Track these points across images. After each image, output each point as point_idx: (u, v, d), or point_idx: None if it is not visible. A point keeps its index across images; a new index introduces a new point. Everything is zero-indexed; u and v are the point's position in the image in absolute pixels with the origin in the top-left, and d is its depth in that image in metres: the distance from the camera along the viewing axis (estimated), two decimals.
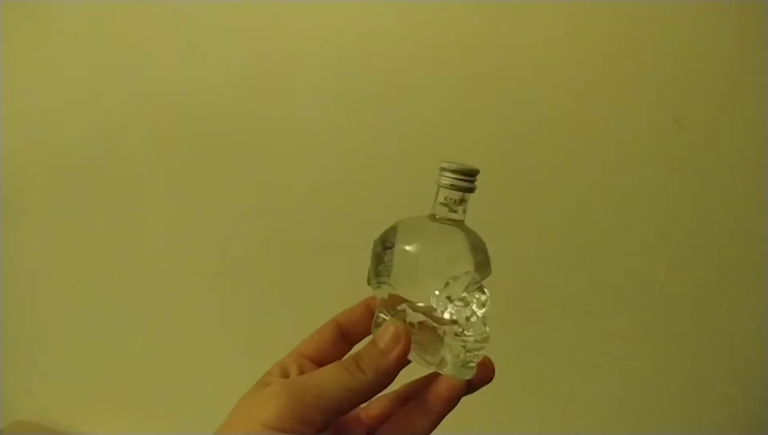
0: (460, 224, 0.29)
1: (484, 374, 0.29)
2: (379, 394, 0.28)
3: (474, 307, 0.27)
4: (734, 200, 0.57)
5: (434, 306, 0.27)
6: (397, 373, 0.27)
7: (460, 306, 0.27)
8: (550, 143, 0.62)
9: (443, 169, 0.28)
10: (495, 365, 0.29)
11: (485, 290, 0.28)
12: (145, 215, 0.82)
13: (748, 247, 0.56)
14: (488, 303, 0.28)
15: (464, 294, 0.27)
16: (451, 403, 0.28)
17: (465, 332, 0.27)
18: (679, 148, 0.58)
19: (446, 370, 0.28)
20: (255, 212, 0.75)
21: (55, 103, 0.86)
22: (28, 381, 0.93)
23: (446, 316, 0.27)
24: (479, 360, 0.28)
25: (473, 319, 0.27)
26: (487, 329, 0.28)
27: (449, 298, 0.27)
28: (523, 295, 0.64)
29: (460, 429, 0.66)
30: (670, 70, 0.58)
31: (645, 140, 0.59)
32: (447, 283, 0.27)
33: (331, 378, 0.26)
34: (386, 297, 0.29)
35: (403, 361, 0.27)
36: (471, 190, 0.28)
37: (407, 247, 0.28)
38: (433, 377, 0.28)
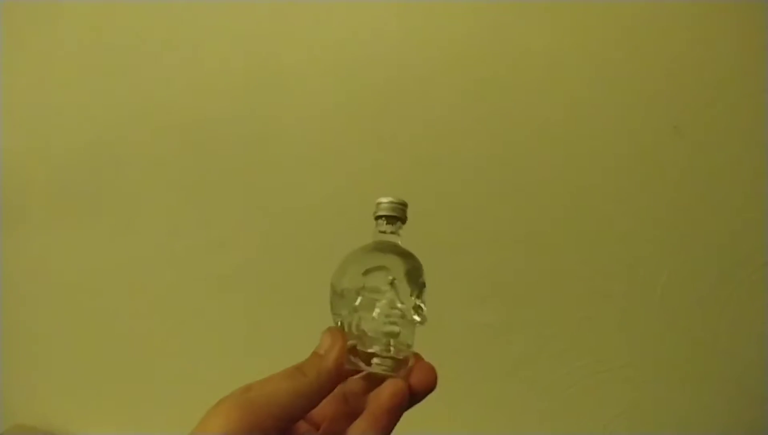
0: (389, 244, 0.34)
1: (424, 379, 0.30)
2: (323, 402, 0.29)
3: (383, 302, 0.31)
4: (734, 207, 0.56)
5: (357, 305, 0.31)
6: (338, 373, 0.29)
7: (371, 297, 0.31)
8: (549, 150, 0.62)
9: (378, 203, 0.34)
10: (438, 373, 0.31)
11: (414, 297, 0.32)
12: (145, 219, 0.82)
13: (749, 253, 0.56)
14: (413, 305, 0.31)
15: (385, 293, 0.31)
16: (393, 413, 0.28)
17: (367, 321, 0.30)
18: (679, 154, 0.58)
19: (373, 368, 0.30)
20: (255, 217, 0.75)
21: (56, 107, 0.87)
22: (29, 385, 0.93)
23: (356, 303, 0.31)
24: (396, 358, 0.30)
25: (375, 312, 0.31)
26: (394, 328, 0.31)
27: (363, 287, 0.31)
28: (523, 301, 0.64)
29: (461, 434, 0.66)
30: (669, 77, 0.58)
31: (645, 147, 0.59)
32: (366, 286, 0.31)
33: (277, 385, 0.27)
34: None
35: (341, 362, 0.29)
36: (402, 219, 0.34)
37: (334, 278, 0.33)
38: (378, 386, 0.30)
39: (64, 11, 0.84)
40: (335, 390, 0.31)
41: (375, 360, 0.30)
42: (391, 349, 0.31)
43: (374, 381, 0.31)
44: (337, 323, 0.32)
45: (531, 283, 0.63)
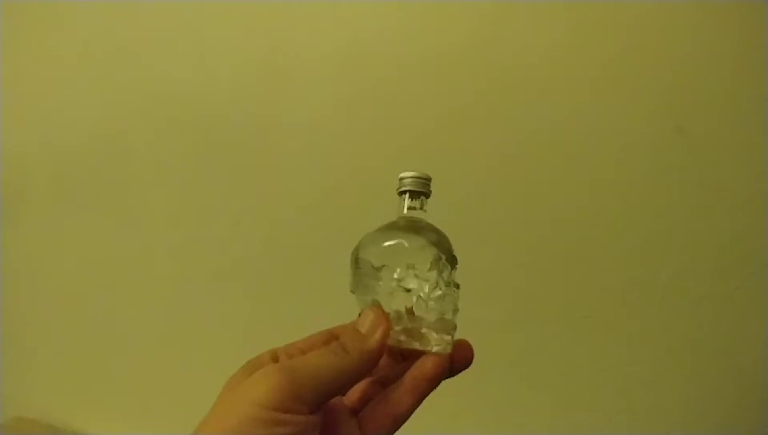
0: (421, 221, 0.33)
1: (464, 355, 0.31)
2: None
3: (441, 284, 0.31)
4: (736, 207, 0.57)
5: (403, 284, 0.31)
6: (381, 354, 0.29)
7: (425, 281, 0.31)
8: (552, 149, 0.62)
9: (401, 179, 0.33)
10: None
11: (452, 275, 0.32)
12: (146, 215, 0.82)
13: (750, 254, 0.56)
14: (452, 283, 0.31)
15: (431, 272, 0.31)
16: (435, 381, 0.30)
17: (431, 304, 0.31)
18: (682, 154, 0.58)
19: (428, 346, 0.30)
20: (255, 213, 0.75)
21: (58, 103, 0.87)
22: (28, 377, 0.93)
23: (411, 286, 0.31)
24: (452, 336, 0.31)
25: (437, 292, 0.31)
26: (454, 307, 0.31)
27: (416, 275, 0.31)
28: (523, 300, 0.64)
29: (461, 431, 0.66)
30: (672, 78, 0.58)
31: (647, 147, 0.59)
32: (410, 265, 0.31)
33: (322, 360, 0.27)
34: (368, 302, 0.32)
35: (384, 343, 0.29)
36: (426, 194, 0.33)
37: (368, 254, 0.32)
38: (417, 359, 0.30)
39: (70, 6, 0.84)
40: None
41: (435, 336, 0.30)
42: (444, 331, 0.31)
43: (397, 356, 0.32)
44: (365, 299, 0.32)
45: (532, 281, 0.63)
